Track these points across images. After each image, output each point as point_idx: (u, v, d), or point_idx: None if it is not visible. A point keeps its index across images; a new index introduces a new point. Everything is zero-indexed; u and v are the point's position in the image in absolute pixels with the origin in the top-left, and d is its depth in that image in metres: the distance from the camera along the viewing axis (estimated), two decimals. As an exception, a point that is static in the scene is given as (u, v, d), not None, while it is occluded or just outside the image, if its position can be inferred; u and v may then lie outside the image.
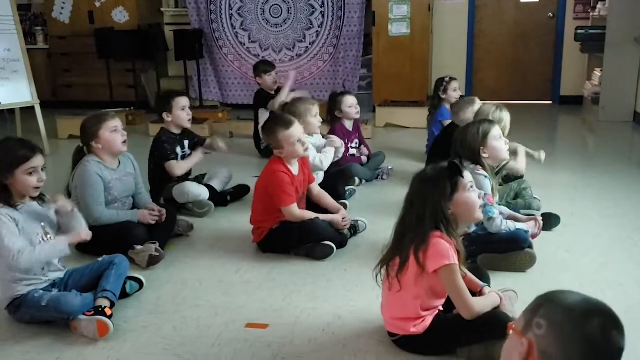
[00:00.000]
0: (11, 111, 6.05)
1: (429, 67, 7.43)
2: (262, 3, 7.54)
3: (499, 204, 3.19)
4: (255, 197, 3.30)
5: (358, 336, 2.39)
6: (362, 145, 4.71)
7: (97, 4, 7.88)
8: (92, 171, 3.16)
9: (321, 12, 7.40)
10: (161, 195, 3.87)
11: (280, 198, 3.15)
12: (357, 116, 4.63)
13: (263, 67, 5.42)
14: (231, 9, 7.62)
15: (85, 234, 2.60)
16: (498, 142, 2.97)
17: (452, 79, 5.07)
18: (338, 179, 4.13)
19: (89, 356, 2.31)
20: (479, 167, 2.91)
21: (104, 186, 3.20)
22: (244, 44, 7.69)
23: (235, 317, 2.56)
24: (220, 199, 4.03)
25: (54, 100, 7.98)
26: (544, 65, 7.97)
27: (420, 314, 2.17)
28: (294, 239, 3.15)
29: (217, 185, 4.10)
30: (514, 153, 3.52)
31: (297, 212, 3.20)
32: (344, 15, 7.30)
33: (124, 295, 2.69)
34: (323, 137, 4.16)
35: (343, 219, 3.31)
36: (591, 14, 7.42)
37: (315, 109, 4.01)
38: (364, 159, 4.66)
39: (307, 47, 7.54)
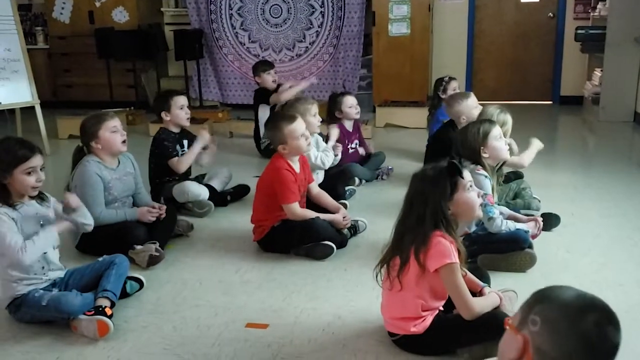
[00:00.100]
0: (11, 111, 6.05)
1: (429, 67, 7.43)
2: (262, 3, 7.54)
3: (498, 204, 3.19)
4: (256, 196, 3.31)
5: (358, 336, 2.39)
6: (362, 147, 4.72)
7: (97, 4, 7.88)
8: (92, 171, 3.16)
9: (321, 12, 7.40)
10: (161, 194, 3.87)
11: (284, 195, 3.15)
12: (357, 116, 4.64)
13: (262, 66, 5.44)
14: (231, 9, 7.62)
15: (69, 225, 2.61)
16: (498, 142, 2.97)
17: (451, 78, 5.08)
18: (338, 179, 4.14)
19: (89, 356, 2.31)
20: (479, 167, 2.91)
21: (104, 186, 3.20)
22: (244, 44, 7.69)
23: (235, 317, 2.56)
24: (220, 198, 4.03)
25: (54, 100, 7.98)
26: (544, 65, 7.97)
27: (420, 313, 2.17)
28: (295, 238, 3.15)
29: (217, 185, 4.10)
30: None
31: (299, 210, 3.20)
32: (344, 15, 7.30)
33: (124, 295, 2.69)
34: (325, 141, 4.17)
35: (344, 217, 3.32)
36: (591, 14, 7.42)
37: (315, 109, 4.01)
38: (362, 151, 4.66)
39: (307, 47, 7.54)
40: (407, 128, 6.49)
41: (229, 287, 2.86)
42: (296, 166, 3.27)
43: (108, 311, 2.44)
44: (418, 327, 2.18)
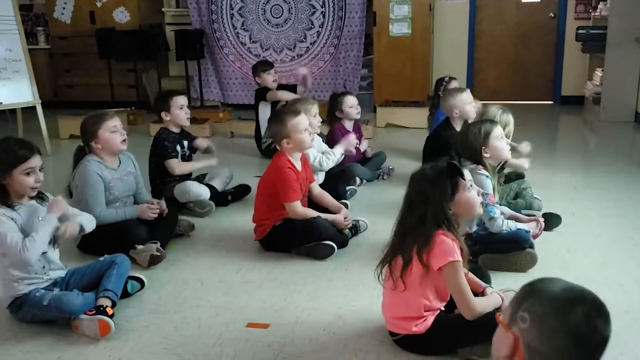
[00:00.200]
0: (12, 111, 6.06)
1: (429, 67, 7.44)
2: (263, 3, 7.54)
3: (499, 204, 3.19)
4: (258, 195, 3.31)
5: (359, 336, 2.39)
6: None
7: (98, 4, 7.88)
8: (92, 171, 3.16)
9: (322, 12, 7.40)
10: (162, 194, 3.87)
11: (286, 193, 3.15)
12: (358, 117, 4.64)
13: (262, 67, 5.44)
14: (232, 9, 7.62)
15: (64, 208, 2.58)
16: (499, 142, 2.97)
17: (451, 78, 5.08)
18: (339, 178, 4.14)
19: (90, 355, 2.31)
20: (480, 166, 2.91)
21: (105, 186, 3.20)
22: (245, 44, 7.69)
23: (236, 317, 2.56)
24: (221, 198, 4.03)
25: (55, 100, 7.98)
26: (545, 65, 7.96)
27: (422, 313, 2.18)
28: (296, 237, 3.16)
29: (218, 185, 4.11)
30: (514, 149, 3.51)
31: (300, 209, 3.21)
32: (345, 15, 7.30)
33: (125, 294, 2.69)
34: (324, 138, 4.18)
35: (345, 218, 3.32)
36: (592, 13, 7.42)
37: (315, 109, 4.01)
38: (364, 147, 4.65)
39: (308, 47, 7.54)
40: (408, 128, 6.49)
41: (230, 287, 2.86)
42: (298, 164, 3.28)
43: (109, 311, 2.44)
44: (419, 327, 2.18)
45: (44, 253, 2.51)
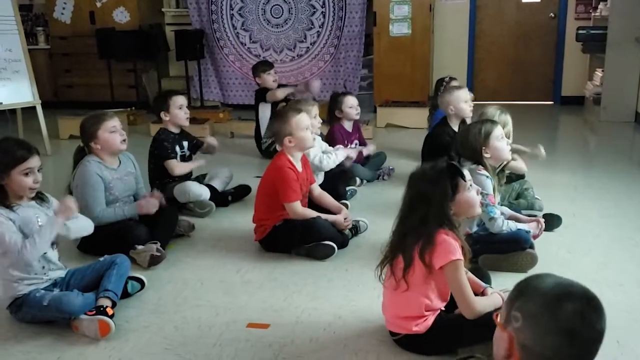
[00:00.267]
0: (12, 111, 6.05)
1: (429, 67, 7.43)
2: (263, 3, 7.54)
3: (501, 205, 3.20)
4: (258, 195, 3.31)
5: (359, 336, 2.39)
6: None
7: (98, 4, 7.88)
8: (92, 171, 3.16)
9: (322, 12, 7.40)
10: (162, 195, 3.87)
11: (285, 193, 3.15)
12: (357, 117, 4.63)
13: (261, 67, 5.44)
14: (232, 9, 7.62)
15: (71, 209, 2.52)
16: (500, 142, 2.97)
17: (452, 78, 5.08)
18: (339, 179, 4.14)
19: (90, 356, 2.31)
20: (480, 167, 2.91)
21: (105, 186, 3.20)
22: (245, 44, 7.69)
23: (236, 317, 2.56)
24: (221, 199, 4.03)
25: (55, 101, 7.98)
26: (545, 66, 7.97)
27: (423, 313, 2.18)
28: (296, 237, 3.16)
29: (218, 185, 4.11)
30: (515, 152, 3.52)
31: (300, 209, 3.21)
32: (345, 15, 7.30)
33: (126, 295, 2.69)
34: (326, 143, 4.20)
35: (345, 219, 3.32)
36: (592, 14, 7.42)
37: (315, 110, 4.01)
38: (369, 152, 4.65)
39: (308, 47, 7.54)
40: (408, 128, 6.49)
41: (230, 287, 2.86)
42: (298, 165, 3.28)
43: (109, 311, 2.44)
44: (420, 327, 2.18)
45: (43, 253, 2.51)
